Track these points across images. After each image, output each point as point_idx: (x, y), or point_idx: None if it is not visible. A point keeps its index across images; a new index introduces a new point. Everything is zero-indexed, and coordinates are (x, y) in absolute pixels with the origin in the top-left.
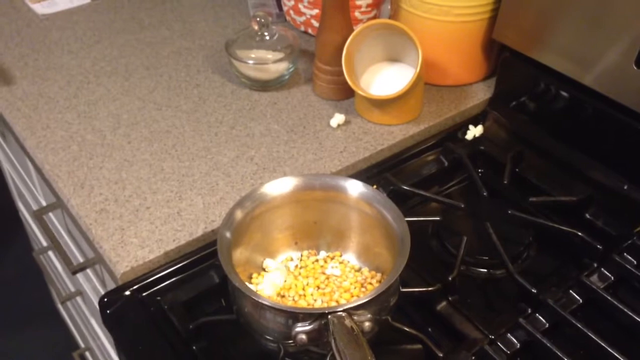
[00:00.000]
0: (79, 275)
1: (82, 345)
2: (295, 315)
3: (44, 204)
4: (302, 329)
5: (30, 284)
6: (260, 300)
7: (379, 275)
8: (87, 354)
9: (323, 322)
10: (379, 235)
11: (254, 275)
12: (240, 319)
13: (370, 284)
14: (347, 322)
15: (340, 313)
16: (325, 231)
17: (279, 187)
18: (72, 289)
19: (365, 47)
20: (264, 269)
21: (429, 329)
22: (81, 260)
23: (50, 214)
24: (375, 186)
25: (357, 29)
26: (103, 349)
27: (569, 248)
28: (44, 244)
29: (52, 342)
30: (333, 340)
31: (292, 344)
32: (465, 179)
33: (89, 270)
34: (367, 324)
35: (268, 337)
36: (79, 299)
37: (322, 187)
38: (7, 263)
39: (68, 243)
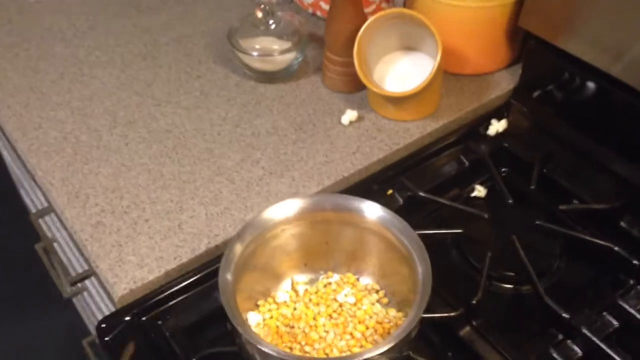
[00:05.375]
0: None
1: (93, 332)
2: None
3: (43, 200)
4: None
5: (38, 272)
6: (267, 351)
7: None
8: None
9: None
10: (395, 259)
11: (261, 302)
12: (244, 355)
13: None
14: None
15: None
16: (337, 252)
17: (283, 210)
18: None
19: (379, 37)
20: (271, 296)
21: (449, 354)
22: (83, 262)
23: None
24: (390, 192)
25: (371, 18)
26: None
27: (602, 260)
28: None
29: (61, 330)
30: None
31: None
32: (487, 179)
33: None
34: None
35: None
36: (90, 281)
37: (334, 208)
38: (14, 252)
39: (69, 244)
